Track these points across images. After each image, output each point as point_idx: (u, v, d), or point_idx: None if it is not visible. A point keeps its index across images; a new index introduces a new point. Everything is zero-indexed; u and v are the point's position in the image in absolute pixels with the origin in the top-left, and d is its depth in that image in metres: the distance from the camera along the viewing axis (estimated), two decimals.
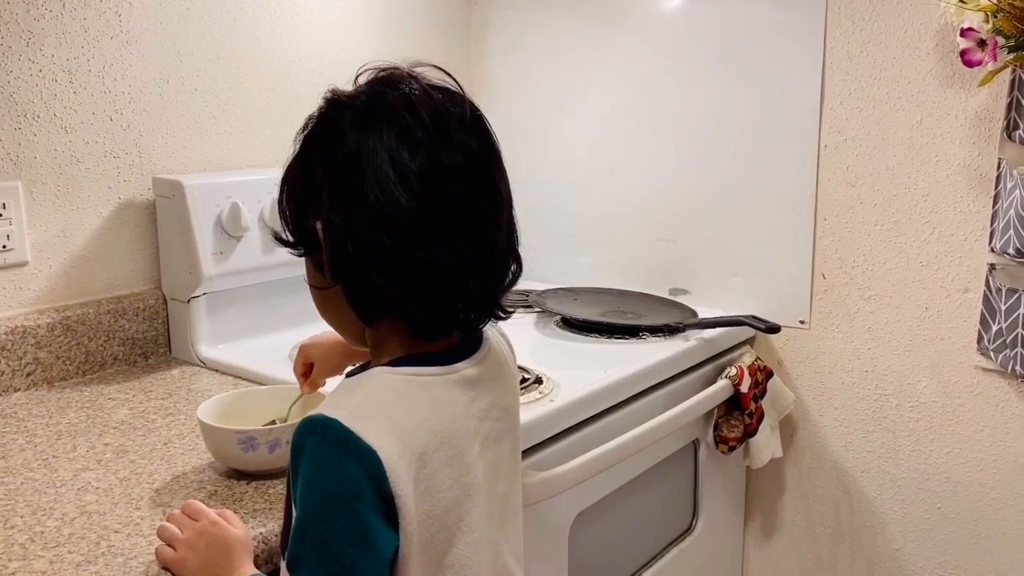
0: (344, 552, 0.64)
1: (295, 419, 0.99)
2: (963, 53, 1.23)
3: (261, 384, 1.22)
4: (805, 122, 1.50)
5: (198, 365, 1.34)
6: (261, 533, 0.85)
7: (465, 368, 0.75)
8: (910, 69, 1.39)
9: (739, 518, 1.68)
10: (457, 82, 0.74)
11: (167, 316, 1.37)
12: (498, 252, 0.74)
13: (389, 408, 0.69)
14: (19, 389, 1.22)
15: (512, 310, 0.79)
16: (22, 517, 0.87)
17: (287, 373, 1.23)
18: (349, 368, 0.96)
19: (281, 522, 0.83)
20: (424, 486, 0.68)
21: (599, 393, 1.23)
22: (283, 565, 0.74)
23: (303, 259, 0.77)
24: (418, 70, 0.74)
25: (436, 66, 0.74)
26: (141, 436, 1.08)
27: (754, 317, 1.46)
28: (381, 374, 0.72)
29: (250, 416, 1.01)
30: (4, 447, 1.04)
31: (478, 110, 0.74)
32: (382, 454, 0.65)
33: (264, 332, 1.41)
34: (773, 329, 1.44)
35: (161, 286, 1.38)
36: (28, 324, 1.22)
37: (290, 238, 0.75)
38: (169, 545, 0.79)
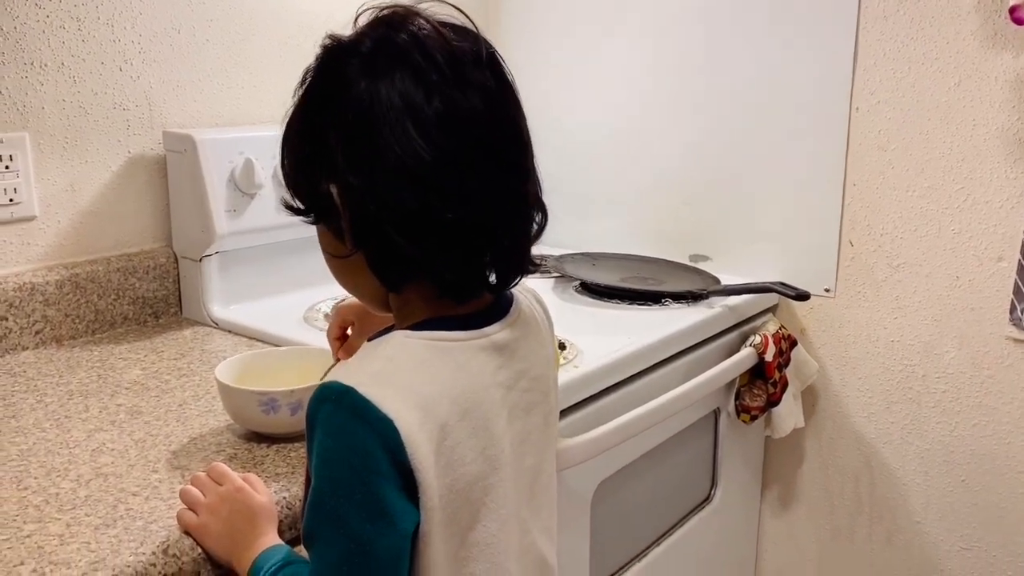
0: (361, 528, 0.61)
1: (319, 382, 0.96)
2: (1012, 10, 1.18)
3: (276, 346, 1.18)
4: (836, 84, 1.45)
5: (210, 326, 1.30)
6: (284, 498, 0.82)
7: (494, 332, 0.71)
8: (949, 28, 1.34)
9: (756, 488, 1.65)
10: (468, 16, 0.68)
11: (178, 275, 1.33)
12: (526, 201, 0.70)
13: (409, 374, 0.65)
14: (27, 348, 1.18)
15: (540, 263, 0.75)
16: (36, 478, 0.84)
17: (302, 335, 1.20)
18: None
19: (303, 487, 0.80)
20: (446, 458, 0.64)
21: (624, 360, 1.19)
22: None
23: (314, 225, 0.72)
24: (422, 6, 0.68)
25: (443, 0, 0.69)
26: (155, 397, 1.04)
27: (783, 284, 1.43)
28: (402, 338, 0.67)
29: (268, 378, 0.97)
30: (15, 406, 1.01)
31: (491, 47, 0.68)
32: (400, 424, 0.61)
33: (278, 293, 1.37)
34: (803, 296, 1.40)
35: (172, 244, 1.34)
36: (36, 281, 1.18)
37: (301, 206, 0.70)
38: (191, 509, 0.76)
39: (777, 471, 1.65)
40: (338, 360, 0.97)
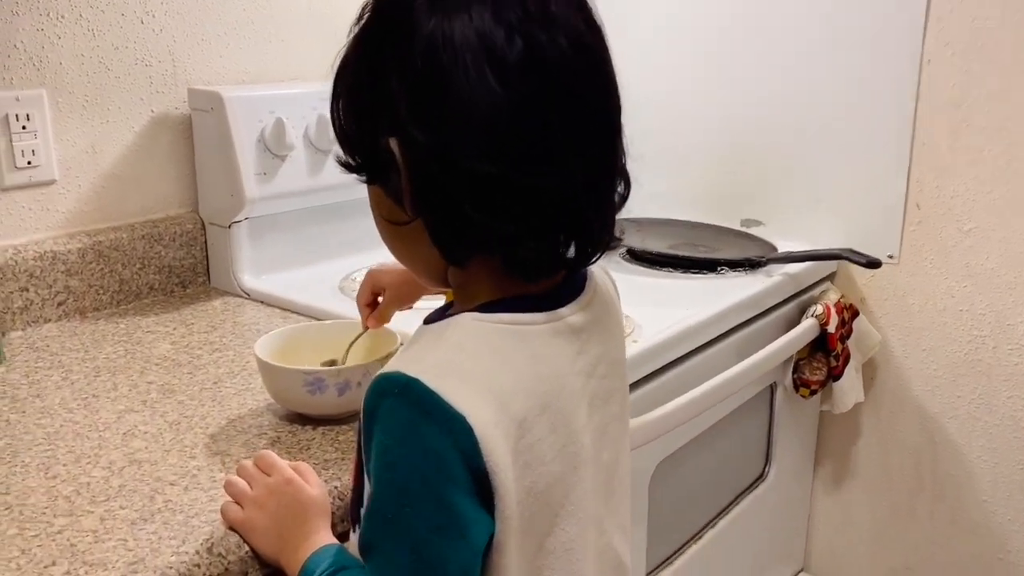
0: (427, 541, 0.53)
1: (356, 360, 0.88)
2: None
3: (311, 318, 1.11)
4: (906, 34, 1.34)
5: (241, 296, 1.23)
6: (336, 488, 0.75)
7: (569, 314, 0.62)
8: None
9: (809, 465, 1.58)
10: None
11: (206, 243, 1.26)
12: (614, 165, 0.61)
13: (482, 364, 0.57)
14: (50, 320, 1.11)
15: (621, 237, 0.66)
16: (65, 465, 0.78)
17: (338, 306, 1.13)
18: (425, 310, 0.84)
19: (352, 477, 0.72)
20: (524, 459, 0.57)
21: (685, 333, 1.11)
22: (354, 535, 0.65)
23: (367, 186, 0.63)
24: None
25: None
26: (187, 374, 0.97)
27: (852, 251, 1.34)
28: (470, 322, 0.59)
29: (310, 354, 0.90)
30: (39, 384, 0.94)
31: None
32: (474, 421, 0.53)
33: (311, 262, 1.29)
34: (875, 264, 1.31)
35: (199, 210, 1.26)
36: (58, 249, 1.11)
37: (354, 162, 0.61)
38: (236, 502, 0.69)
39: (831, 447, 1.57)
40: (366, 328, 0.89)
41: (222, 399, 0.91)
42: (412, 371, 0.55)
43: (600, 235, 0.61)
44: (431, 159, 0.55)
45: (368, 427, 0.56)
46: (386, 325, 0.90)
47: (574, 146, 0.57)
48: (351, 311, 1.10)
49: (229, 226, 1.22)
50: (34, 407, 0.89)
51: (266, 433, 0.84)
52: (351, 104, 0.60)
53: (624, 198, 0.63)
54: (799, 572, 1.62)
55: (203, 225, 1.25)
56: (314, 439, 0.83)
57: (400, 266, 0.87)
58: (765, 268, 1.34)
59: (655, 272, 1.34)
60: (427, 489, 0.53)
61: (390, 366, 0.56)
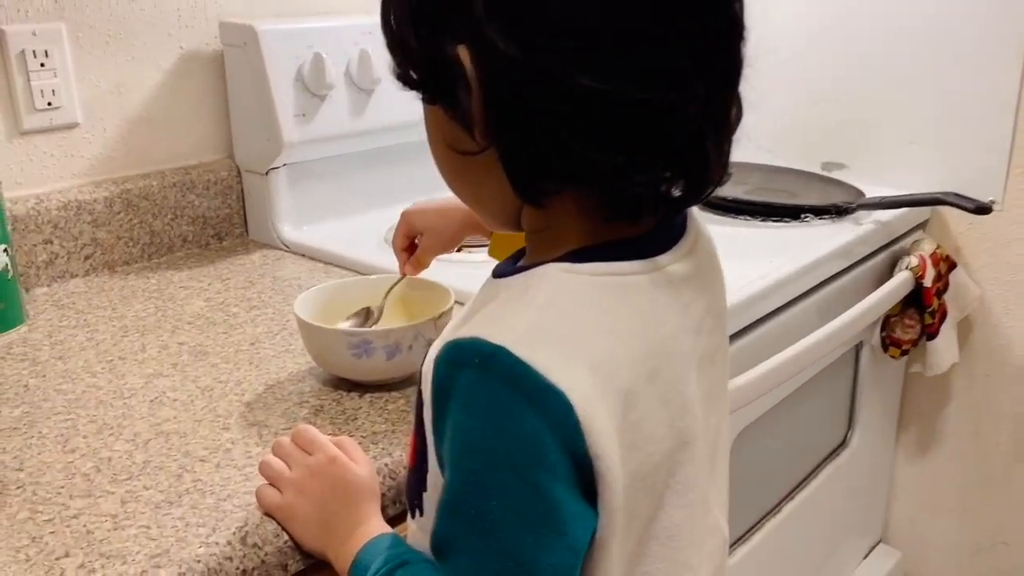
0: (519, 540, 0.43)
1: (395, 312, 0.79)
2: None
3: (355, 273, 1.02)
4: None
5: (280, 249, 1.14)
6: (386, 465, 0.65)
7: (671, 262, 0.51)
8: None
9: (891, 430, 1.46)
10: None
11: (242, 191, 1.17)
12: (733, 84, 0.50)
13: (579, 327, 0.46)
14: (76, 275, 1.03)
15: (731, 172, 0.55)
16: (85, 437, 0.69)
17: (385, 259, 1.03)
18: (471, 264, 0.73)
19: (406, 454, 0.63)
20: (630, 438, 0.47)
21: (774, 287, 1.00)
22: (412, 522, 0.55)
23: (424, 105, 0.51)
24: None
25: None
26: (222, 334, 0.88)
27: (955, 194, 1.20)
28: (560, 275, 0.48)
29: (354, 311, 0.81)
30: (62, 345, 0.86)
31: None
32: (574, 397, 0.43)
33: (356, 211, 1.20)
34: (984, 209, 1.17)
35: (234, 155, 1.17)
36: (83, 198, 1.02)
37: (414, 75, 0.49)
38: (273, 485, 0.60)
39: (917, 411, 1.45)
40: (403, 276, 0.80)
41: (260, 362, 0.82)
42: (496, 338, 0.44)
43: (715, 166, 0.50)
44: (514, 72, 0.44)
45: (440, 404, 0.46)
46: (437, 280, 0.80)
47: (697, 54, 0.46)
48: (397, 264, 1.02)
49: (266, 173, 1.13)
50: (55, 371, 0.81)
51: (308, 401, 0.75)
52: (409, 3, 0.48)
53: (737, 122, 0.51)
54: (876, 544, 1.51)
55: (239, 172, 1.16)
56: (361, 408, 0.73)
57: (437, 204, 0.77)
58: (853, 215, 1.21)
59: (731, 220, 1.21)
60: (519, 479, 0.43)
61: (465, 331, 0.46)
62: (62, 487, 0.63)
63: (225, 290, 1.00)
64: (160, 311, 0.94)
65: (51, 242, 1.01)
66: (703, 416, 0.53)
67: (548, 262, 0.49)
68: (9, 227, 0.91)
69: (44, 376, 0.80)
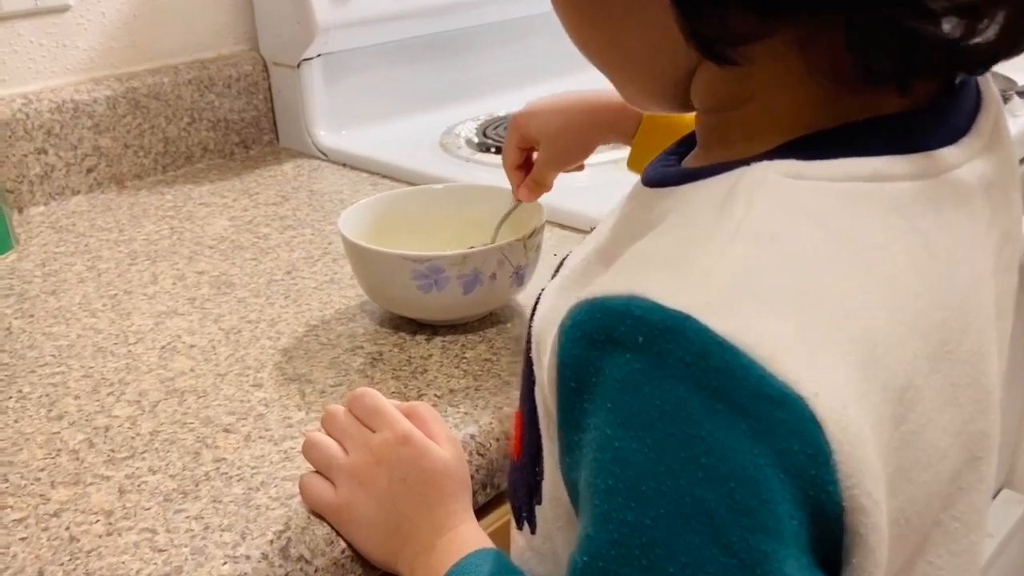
0: None
1: (507, 241, 0.60)
2: None
3: (406, 184, 0.85)
4: None
5: (317, 157, 0.96)
6: (473, 437, 0.49)
7: (964, 160, 0.31)
8: None
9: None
10: None
11: (270, 89, 0.98)
12: None
13: (825, 277, 0.27)
14: (78, 192, 0.87)
15: None
16: (77, 398, 0.53)
17: (441, 167, 0.88)
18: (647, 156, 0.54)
19: (511, 442, 0.45)
20: (900, 462, 0.28)
21: None
22: (519, 534, 0.39)
23: None
24: None
25: None
26: (251, 261, 0.72)
27: None
28: (781, 182, 0.29)
29: (415, 232, 0.63)
30: (57, 275, 0.70)
31: None
32: (823, 408, 0.25)
33: (405, 112, 1.02)
34: None
35: (259, 46, 0.99)
36: (80, 98, 0.85)
37: None
38: (323, 474, 0.43)
39: None
40: (518, 203, 0.61)
41: (298, 296, 0.65)
42: (676, 298, 0.26)
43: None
44: None
45: (571, 398, 0.28)
46: (542, 198, 0.61)
47: None
48: (457, 174, 0.85)
49: (298, 65, 0.94)
50: (46, 308, 0.65)
51: (361, 347, 0.58)
52: None
53: None
54: (999, 490, 1.35)
55: (265, 66, 0.98)
56: (431, 356, 0.56)
57: (557, 104, 0.58)
58: (1008, 104, 1.00)
59: None
60: (721, 550, 0.25)
61: (613, 282, 0.28)
62: (42, 470, 0.47)
63: (253, 207, 0.83)
64: (176, 232, 0.78)
65: (45, 152, 0.84)
66: (1000, 409, 0.35)
67: (751, 160, 0.30)
68: None
69: (31, 316, 0.64)
